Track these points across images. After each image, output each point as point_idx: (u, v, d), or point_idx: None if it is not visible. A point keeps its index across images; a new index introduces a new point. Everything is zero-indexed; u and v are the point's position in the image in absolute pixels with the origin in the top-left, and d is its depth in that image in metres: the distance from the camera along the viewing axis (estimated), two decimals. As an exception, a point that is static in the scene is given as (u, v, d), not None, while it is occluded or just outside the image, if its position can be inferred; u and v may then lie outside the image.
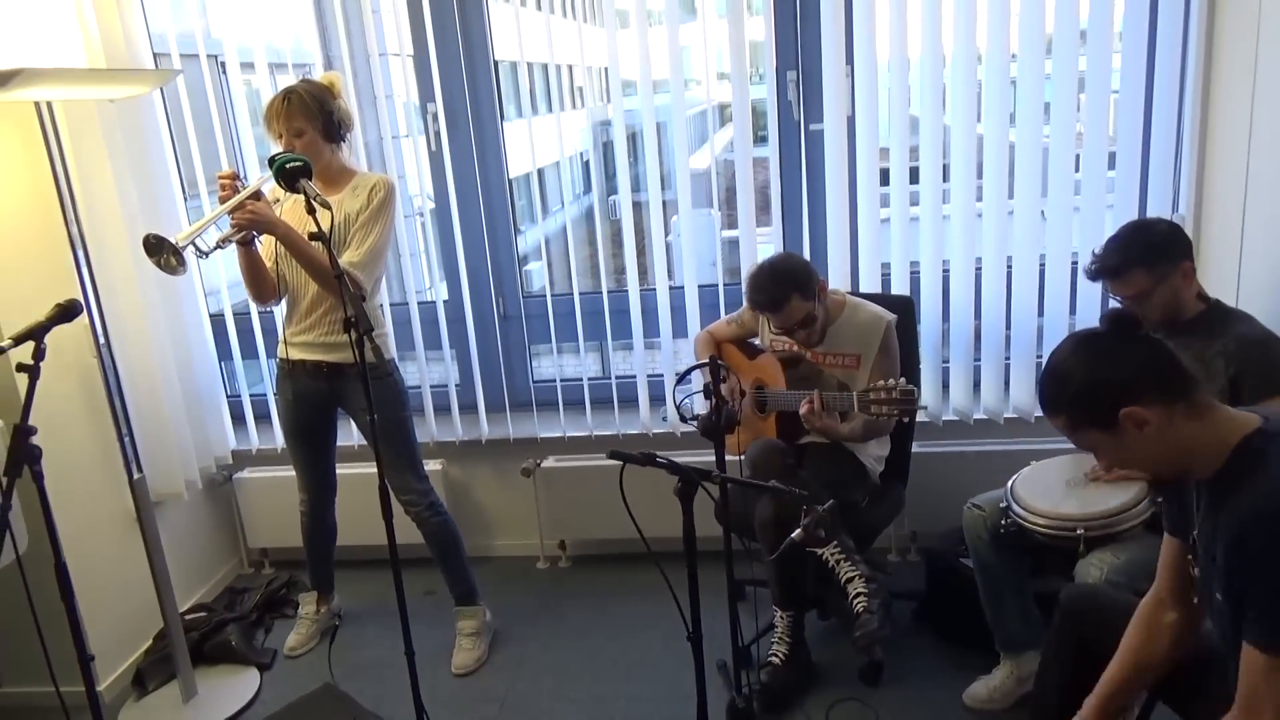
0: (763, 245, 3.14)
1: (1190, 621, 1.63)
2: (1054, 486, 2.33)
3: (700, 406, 2.77)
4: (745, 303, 2.66)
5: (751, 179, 3.12)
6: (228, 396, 3.53)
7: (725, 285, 3.21)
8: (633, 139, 3.21)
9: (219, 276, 3.40)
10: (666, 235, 3.30)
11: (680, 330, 3.26)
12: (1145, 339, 1.46)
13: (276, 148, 2.62)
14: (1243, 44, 2.55)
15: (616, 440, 3.35)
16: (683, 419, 2.61)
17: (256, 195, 2.47)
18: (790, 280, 2.52)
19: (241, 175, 2.55)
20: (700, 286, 3.21)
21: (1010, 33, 2.84)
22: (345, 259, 2.58)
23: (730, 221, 3.31)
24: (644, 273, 3.30)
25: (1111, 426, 1.41)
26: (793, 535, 1.89)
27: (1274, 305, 2.36)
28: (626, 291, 3.25)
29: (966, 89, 2.90)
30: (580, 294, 3.28)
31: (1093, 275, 2.21)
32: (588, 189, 3.68)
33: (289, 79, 2.66)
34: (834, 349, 2.68)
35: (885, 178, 3.05)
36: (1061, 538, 2.21)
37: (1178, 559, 1.61)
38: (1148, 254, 2.13)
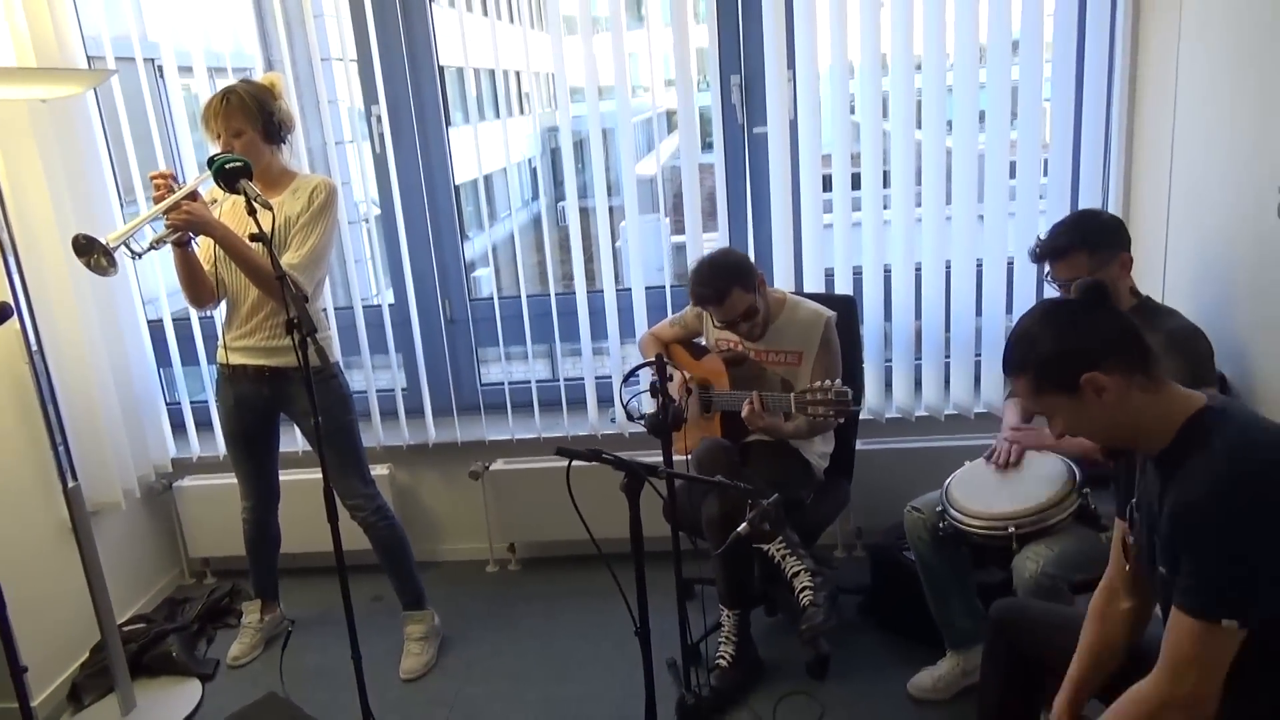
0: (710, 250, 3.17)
1: (1144, 606, 1.67)
2: (987, 485, 2.38)
3: (647, 406, 2.79)
4: (689, 299, 2.69)
5: (698, 184, 3.16)
6: (167, 404, 3.46)
7: (672, 287, 3.24)
8: (580, 145, 3.22)
9: (158, 282, 3.33)
10: (615, 241, 3.31)
11: (628, 332, 3.29)
12: (1112, 310, 1.50)
13: (215, 149, 2.59)
14: (1165, 54, 2.65)
15: (565, 442, 3.35)
16: (630, 417, 2.63)
17: (193, 196, 2.43)
18: (730, 273, 2.56)
19: (179, 178, 2.51)
20: (648, 289, 3.24)
21: (946, 42, 2.92)
22: (285, 261, 2.55)
23: (678, 227, 3.34)
24: (592, 277, 3.31)
25: (1072, 391, 1.46)
26: (739, 529, 1.91)
27: (1197, 302, 2.46)
28: (574, 294, 3.26)
29: (905, 97, 2.97)
30: (528, 296, 3.28)
31: (1036, 257, 2.28)
32: (535, 195, 3.69)
33: (229, 83, 2.63)
34: (776, 346, 2.72)
35: (828, 184, 3.11)
36: (995, 537, 2.26)
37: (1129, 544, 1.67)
38: (1092, 237, 2.21)
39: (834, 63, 2.99)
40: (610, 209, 3.22)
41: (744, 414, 2.48)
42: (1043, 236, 2.29)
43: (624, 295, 3.26)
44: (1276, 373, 2.17)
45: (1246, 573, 1.34)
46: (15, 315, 2.14)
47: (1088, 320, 1.49)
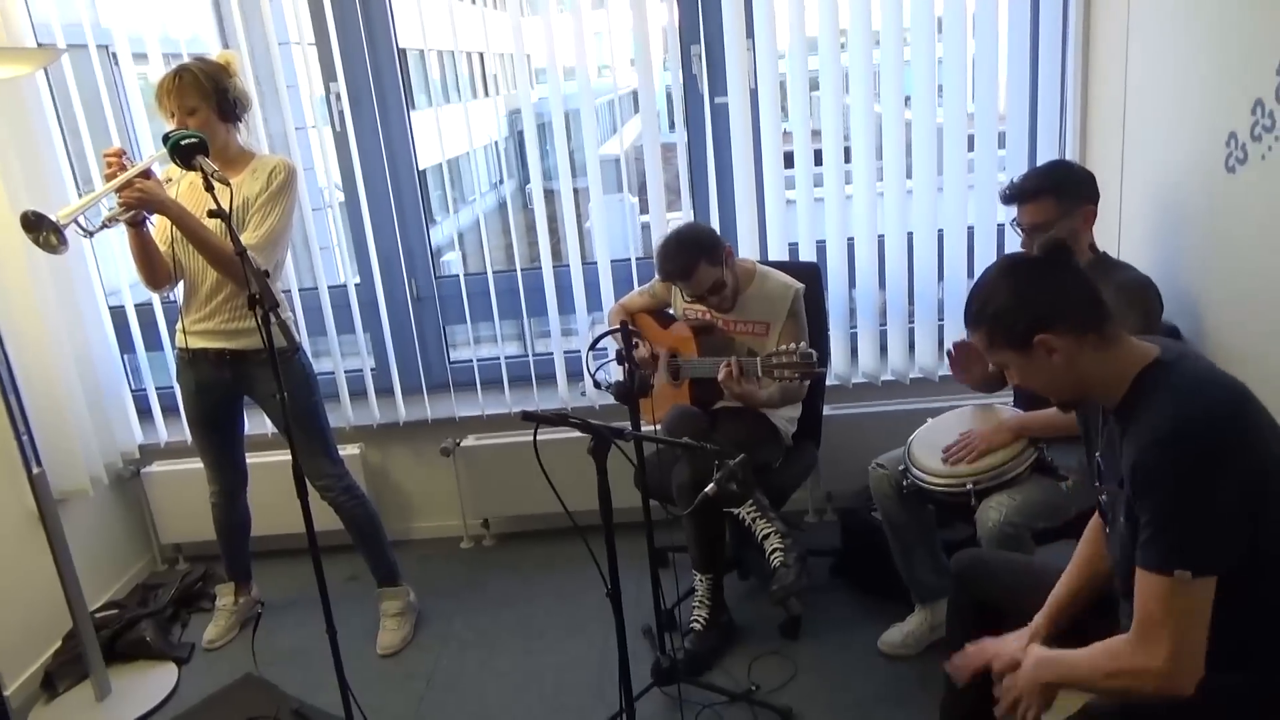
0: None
1: None
2: (946, 443, 2.41)
3: (616, 375, 2.80)
4: (656, 275, 2.70)
5: (659, 160, 3.17)
6: (132, 390, 3.43)
7: (639, 260, 3.25)
8: (543, 128, 3.22)
9: (118, 270, 3.28)
10: (585, 221, 3.31)
11: (595, 305, 3.30)
12: (1071, 271, 1.53)
13: (170, 126, 2.55)
14: (1116, 17, 2.69)
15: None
16: (598, 386, 2.64)
17: (146, 174, 2.40)
18: (697, 248, 2.57)
19: (134, 159, 2.47)
20: (614, 261, 3.25)
21: (903, 15, 2.95)
22: (243, 241, 2.52)
23: (645, 207, 3.35)
24: (559, 255, 3.31)
25: (1024, 349, 1.49)
26: (706, 490, 1.93)
27: (1151, 256, 2.51)
28: (540, 269, 3.26)
29: (864, 70, 3.00)
30: (494, 272, 3.28)
31: (1005, 198, 2.33)
32: (502, 179, 3.67)
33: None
34: (744, 317, 2.74)
35: (790, 160, 3.14)
36: (956, 494, 2.31)
37: None
38: (1062, 185, 2.25)
39: (793, 38, 3.00)
40: (575, 190, 3.23)
41: (721, 377, 2.49)
42: (1015, 179, 2.33)
43: (590, 269, 3.26)
44: (1227, 323, 2.23)
45: (1195, 522, 1.35)
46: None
47: (1045, 281, 1.52)
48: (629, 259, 3.26)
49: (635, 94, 3.16)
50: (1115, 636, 1.46)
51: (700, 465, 2.46)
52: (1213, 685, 1.42)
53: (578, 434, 1.89)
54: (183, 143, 2.16)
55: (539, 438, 3.42)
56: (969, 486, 2.25)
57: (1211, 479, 1.34)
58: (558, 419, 1.75)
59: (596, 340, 2.44)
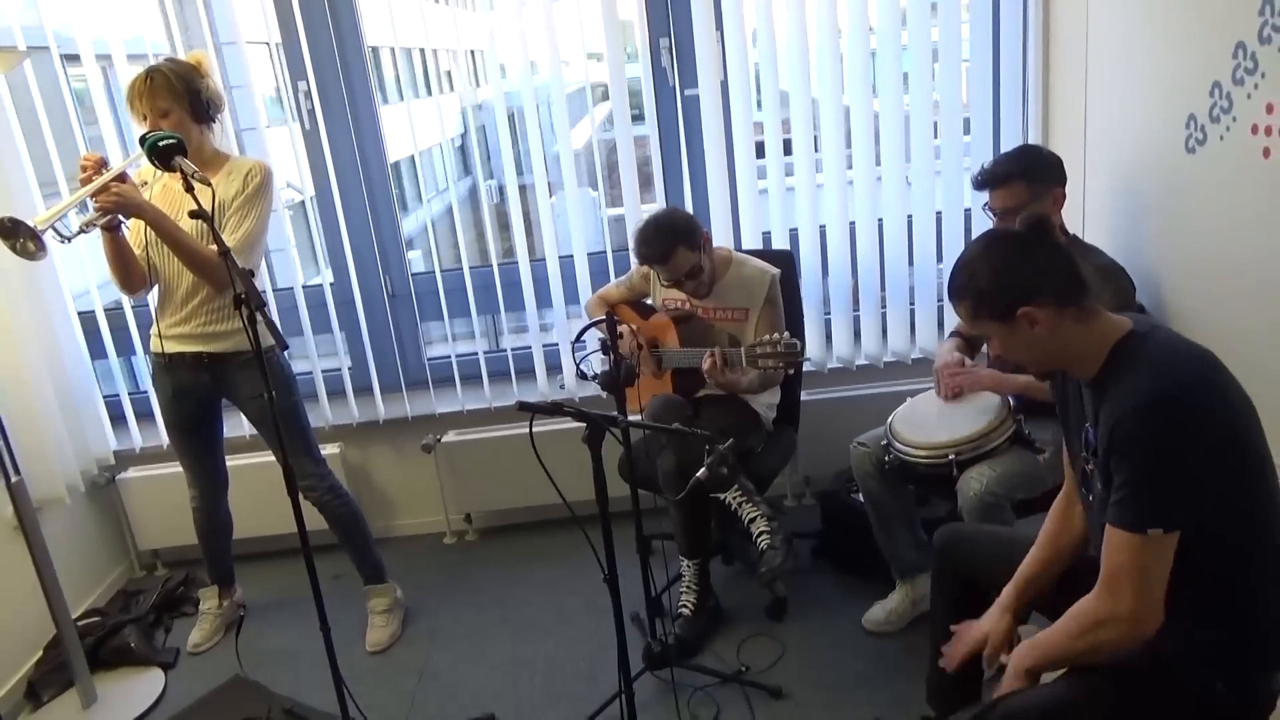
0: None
1: None
2: (928, 419, 2.50)
3: (598, 366, 2.83)
4: (634, 259, 2.73)
5: (633, 152, 3.19)
6: (105, 396, 3.39)
7: (615, 252, 3.28)
8: (510, 120, 3.23)
9: (86, 274, 3.24)
10: (551, 203, 3.33)
11: (572, 298, 3.32)
12: (1052, 245, 1.58)
13: (141, 131, 2.53)
14: (1075, 11, 2.76)
15: (517, 411, 3.37)
16: (583, 376, 2.67)
17: (121, 178, 2.38)
18: (674, 232, 2.61)
19: (108, 162, 2.44)
20: (590, 254, 3.27)
21: (868, 6, 3.00)
22: None
23: (614, 199, 3.37)
24: (531, 250, 3.33)
25: (1007, 321, 1.54)
26: (698, 474, 1.97)
27: (1114, 238, 2.59)
28: (516, 264, 3.28)
29: (831, 61, 3.06)
30: (470, 268, 3.28)
31: (977, 184, 2.40)
32: (463, 175, 3.68)
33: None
34: (722, 303, 2.78)
35: (761, 150, 3.18)
36: (937, 464, 2.38)
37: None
38: (1032, 169, 2.33)
39: (760, 29, 3.04)
40: (531, 185, 3.24)
41: (705, 367, 2.52)
42: (986, 165, 2.40)
43: (566, 263, 3.28)
44: (1189, 299, 2.31)
45: (1169, 483, 1.42)
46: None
47: (1027, 255, 1.57)
48: (604, 251, 3.29)
49: (591, 88, 3.18)
50: (1080, 600, 1.53)
51: (686, 453, 2.50)
52: (1179, 639, 1.50)
53: (563, 426, 1.91)
54: (161, 144, 2.15)
55: (520, 432, 3.46)
56: (951, 458, 2.32)
57: (1185, 443, 1.41)
58: (553, 409, 1.77)
59: (582, 331, 2.47)
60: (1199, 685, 1.50)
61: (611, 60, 3.10)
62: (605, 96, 3.17)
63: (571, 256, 3.28)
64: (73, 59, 3.08)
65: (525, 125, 3.16)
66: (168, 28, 3.11)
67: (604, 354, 2.33)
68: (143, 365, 3.38)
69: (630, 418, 2.27)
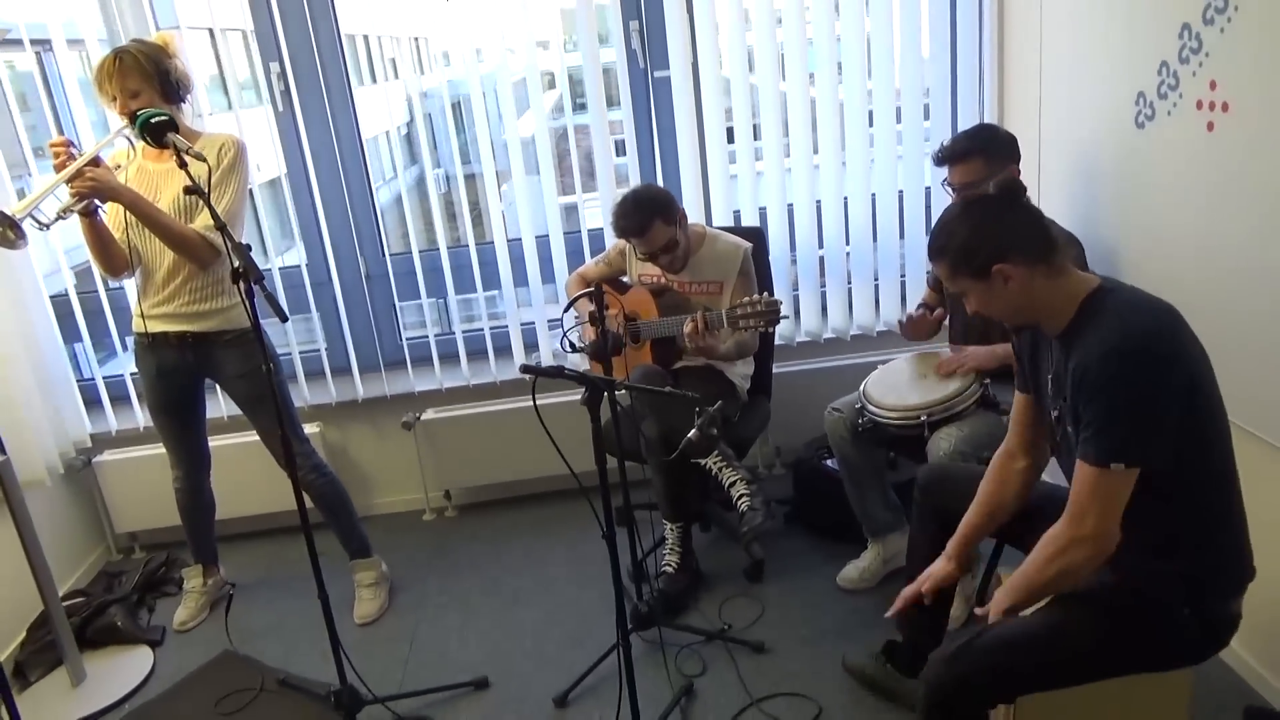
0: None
1: (1036, 468, 1.92)
2: (900, 384, 2.63)
3: (577, 340, 2.91)
4: (613, 233, 2.81)
5: (609, 137, 3.27)
6: (79, 380, 3.37)
7: (589, 230, 3.36)
8: (455, 107, 3.28)
9: (57, 257, 3.23)
10: (501, 204, 3.38)
11: (549, 277, 3.39)
12: (1023, 207, 1.71)
13: (110, 111, 2.54)
14: (1030, 3, 2.90)
15: (494, 388, 3.45)
16: (573, 348, 2.74)
17: (95, 161, 2.38)
18: (652, 206, 2.70)
19: (75, 144, 2.44)
20: (566, 234, 3.35)
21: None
22: (200, 223, 2.53)
23: (565, 188, 3.43)
24: (481, 234, 3.39)
25: (983, 278, 1.66)
26: (689, 435, 2.07)
27: (1070, 211, 2.73)
28: (491, 244, 3.34)
29: (799, 48, 3.17)
30: (448, 248, 3.33)
31: (938, 160, 2.52)
32: (402, 164, 3.72)
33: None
34: (697, 278, 2.88)
35: (731, 136, 3.29)
36: (909, 425, 2.51)
37: (1025, 414, 1.90)
38: (989, 145, 2.46)
39: (731, 14, 3.14)
40: (471, 176, 3.30)
41: (687, 330, 2.61)
42: (945, 142, 2.52)
43: (543, 242, 3.36)
44: (1140, 270, 2.45)
45: (1131, 422, 1.55)
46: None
47: (1001, 216, 1.69)
48: (579, 231, 3.36)
49: (543, 74, 3.24)
50: (1050, 528, 1.66)
51: (668, 419, 2.59)
52: (1148, 571, 1.64)
53: (547, 400, 1.97)
54: (153, 120, 2.17)
55: (498, 409, 3.52)
56: (922, 419, 2.45)
57: (1150, 385, 1.53)
58: (555, 373, 1.85)
59: (571, 303, 2.54)
60: (1166, 613, 1.64)
61: (585, 43, 3.17)
62: (552, 84, 3.24)
63: (547, 236, 3.35)
64: (13, 44, 3.06)
65: (496, 109, 3.22)
66: (105, 12, 3.09)
67: (591, 325, 2.39)
68: (118, 346, 3.36)
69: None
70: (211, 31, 3.19)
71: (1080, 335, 1.62)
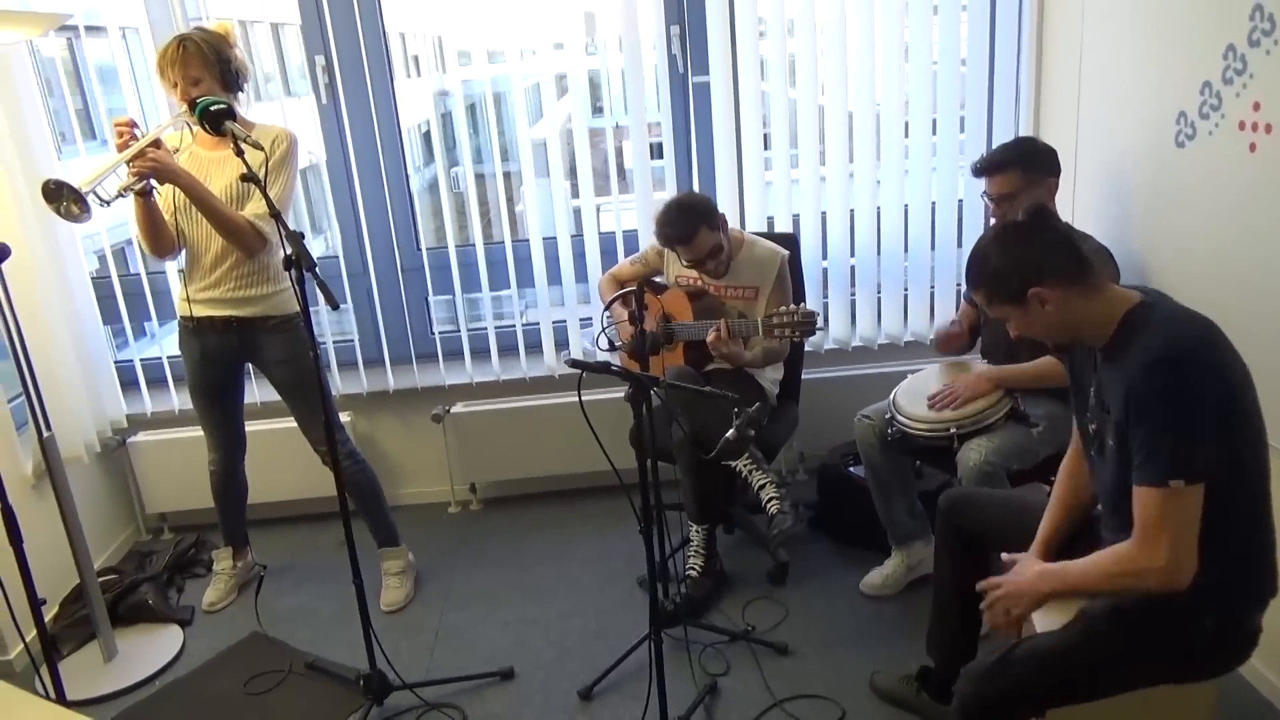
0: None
1: None
2: (929, 393, 2.64)
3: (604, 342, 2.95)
4: (656, 240, 2.84)
5: (646, 141, 3.31)
6: (115, 361, 3.43)
7: (624, 232, 3.40)
8: (472, 108, 3.33)
9: (101, 240, 3.29)
10: (518, 204, 3.42)
11: (582, 276, 3.43)
12: (1054, 230, 1.73)
13: (172, 97, 2.59)
14: (1070, 13, 2.93)
15: (524, 384, 3.49)
16: (612, 346, 2.78)
17: (156, 143, 2.45)
18: (696, 213, 2.73)
19: (139, 125, 2.50)
20: (601, 234, 3.39)
21: (874, 6, 3.15)
22: (250, 211, 2.59)
23: (574, 191, 3.47)
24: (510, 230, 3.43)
25: (1020, 302, 1.69)
26: (728, 434, 2.10)
27: (1103, 226, 2.73)
28: (526, 241, 3.38)
29: (837, 58, 3.20)
30: (486, 245, 3.37)
31: (976, 171, 2.54)
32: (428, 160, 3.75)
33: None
34: (735, 282, 2.91)
35: (767, 143, 3.32)
36: (938, 437, 2.53)
37: None
38: (1027, 158, 2.48)
39: (772, 21, 3.17)
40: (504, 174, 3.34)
41: (710, 339, 2.66)
42: (984, 153, 2.55)
43: (577, 241, 3.39)
44: (1174, 290, 2.46)
45: (1183, 435, 1.56)
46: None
47: (1032, 241, 1.72)
48: (608, 232, 3.40)
49: (557, 78, 3.28)
50: (1115, 545, 1.66)
51: (700, 421, 2.62)
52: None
53: (569, 400, 1.95)
54: (212, 108, 2.23)
55: (528, 404, 3.56)
56: (952, 430, 2.47)
57: (1197, 398, 1.55)
58: (601, 368, 1.88)
59: (612, 301, 2.58)
60: (1190, 621, 1.66)
61: (629, 47, 3.21)
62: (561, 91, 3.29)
63: (581, 235, 3.39)
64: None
65: (538, 106, 3.26)
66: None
67: (630, 324, 2.43)
68: (156, 329, 3.42)
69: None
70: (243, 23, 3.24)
71: (1123, 349, 1.64)
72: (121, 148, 2.42)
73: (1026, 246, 1.71)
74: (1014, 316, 1.75)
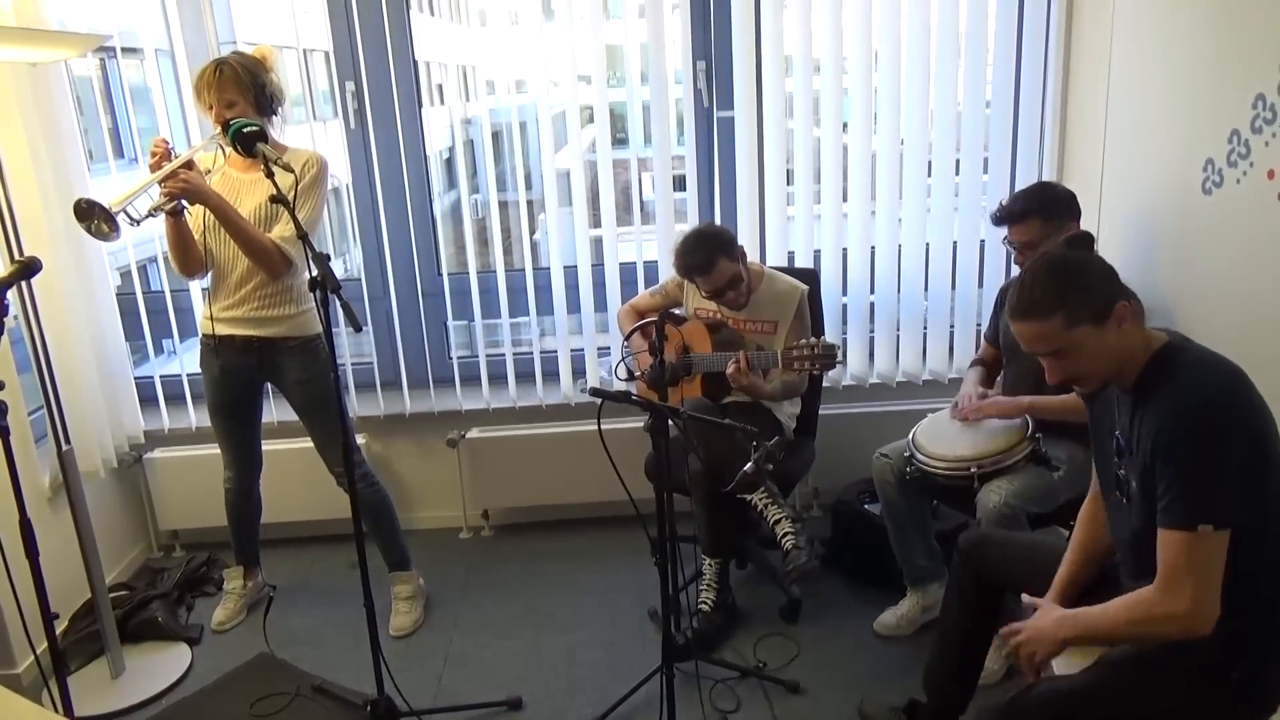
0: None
1: None
2: (949, 433, 2.63)
3: (622, 372, 2.95)
4: (675, 271, 2.85)
5: (669, 172, 3.33)
6: (135, 378, 3.45)
7: (644, 262, 3.41)
8: (496, 136, 3.36)
9: (128, 255, 3.32)
10: (535, 233, 3.43)
11: (600, 306, 3.44)
12: (1098, 260, 1.71)
13: (206, 119, 2.64)
14: (1097, 51, 2.95)
15: (540, 411, 3.48)
16: (630, 375, 2.78)
17: (189, 165, 2.48)
18: (715, 243, 2.75)
19: (172, 146, 2.54)
20: (621, 264, 3.40)
21: (901, 43, 3.17)
22: (278, 233, 2.62)
23: (594, 220, 3.50)
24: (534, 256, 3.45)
25: (1103, 320, 1.62)
26: (745, 468, 2.09)
27: (1126, 271, 2.69)
28: (547, 269, 3.39)
29: (864, 99, 3.22)
30: (506, 271, 3.39)
31: (996, 220, 2.54)
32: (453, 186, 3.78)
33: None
34: (754, 316, 2.92)
35: (790, 178, 3.34)
36: (958, 476, 2.51)
37: None
38: (1046, 206, 2.49)
39: (798, 57, 3.20)
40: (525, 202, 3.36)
41: (730, 370, 2.66)
42: (1004, 201, 2.55)
43: (598, 270, 3.41)
44: (1198, 336, 2.45)
45: (1213, 481, 1.54)
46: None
47: (1092, 263, 1.70)
48: (634, 262, 3.41)
49: (582, 108, 3.31)
50: (1137, 590, 1.63)
51: (716, 453, 2.61)
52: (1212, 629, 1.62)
53: (585, 428, 1.94)
54: (244, 130, 2.25)
55: (543, 432, 3.56)
56: (972, 470, 2.45)
57: (1225, 443, 1.54)
58: (622, 397, 1.88)
59: (632, 331, 2.58)
60: (1216, 672, 1.63)
61: (655, 80, 3.24)
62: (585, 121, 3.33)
63: (602, 265, 3.40)
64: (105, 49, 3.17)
65: (564, 134, 3.29)
66: (166, 25, 3.20)
67: (650, 354, 2.43)
68: (178, 346, 3.44)
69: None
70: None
71: (1151, 392, 1.63)
72: (155, 167, 2.46)
73: (1094, 268, 1.68)
74: (1085, 341, 1.63)
